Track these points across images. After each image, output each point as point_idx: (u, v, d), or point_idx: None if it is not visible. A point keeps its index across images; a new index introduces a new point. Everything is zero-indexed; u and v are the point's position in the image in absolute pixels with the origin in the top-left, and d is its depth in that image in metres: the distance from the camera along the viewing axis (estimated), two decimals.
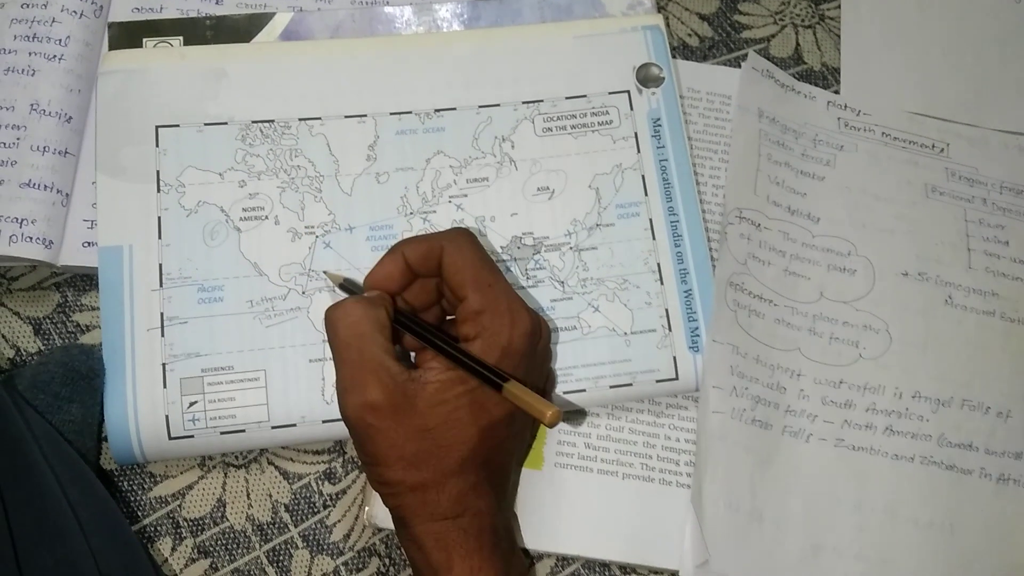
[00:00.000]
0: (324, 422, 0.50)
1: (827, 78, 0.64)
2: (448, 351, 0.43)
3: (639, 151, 0.56)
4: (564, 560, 0.51)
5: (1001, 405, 0.55)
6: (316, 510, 0.51)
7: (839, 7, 0.66)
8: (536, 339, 0.45)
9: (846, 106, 0.62)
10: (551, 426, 0.41)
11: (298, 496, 0.51)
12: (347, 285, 0.49)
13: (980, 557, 0.52)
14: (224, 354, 0.50)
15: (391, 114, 0.55)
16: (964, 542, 0.52)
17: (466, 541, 0.42)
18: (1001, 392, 0.55)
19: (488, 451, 0.43)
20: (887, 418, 0.54)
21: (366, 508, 0.50)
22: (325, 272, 0.50)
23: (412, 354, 0.47)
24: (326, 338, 0.45)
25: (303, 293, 0.51)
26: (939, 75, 0.65)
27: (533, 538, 0.50)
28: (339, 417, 0.47)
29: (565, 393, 0.52)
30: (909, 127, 0.62)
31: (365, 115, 0.55)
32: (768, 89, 0.61)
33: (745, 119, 0.59)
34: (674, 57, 0.63)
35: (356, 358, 0.42)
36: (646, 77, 0.58)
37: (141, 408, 0.49)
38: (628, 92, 0.57)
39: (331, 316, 0.43)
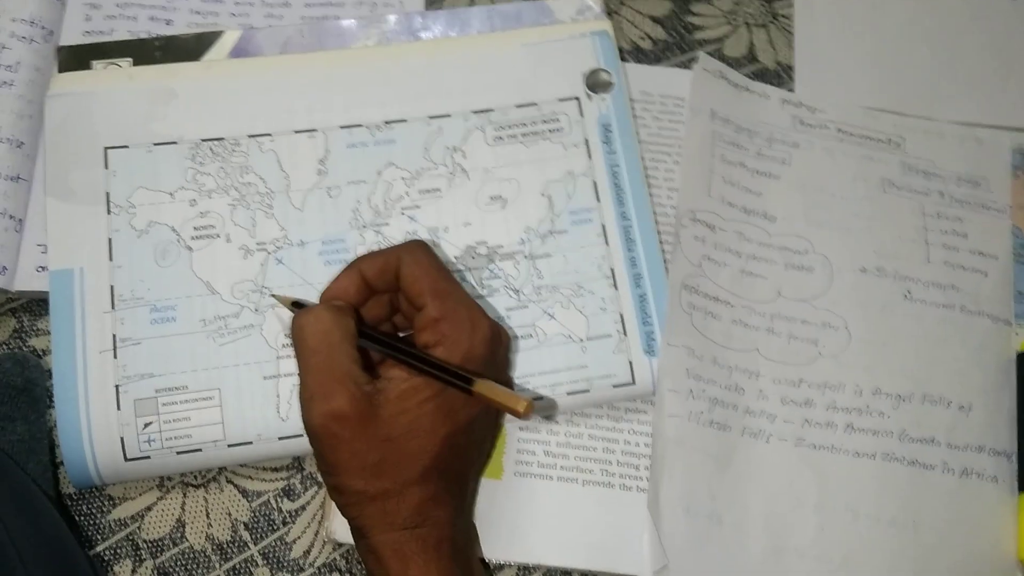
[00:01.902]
0: (280, 439, 0.50)
1: (781, 76, 0.64)
2: (412, 358, 0.43)
3: (590, 157, 0.56)
4: (526, 569, 0.51)
5: (962, 399, 0.55)
6: (276, 527, 0.51)
7: (792, 6, 0.66)
8: (496, 345, 0.45)
9: (800, 104, 0.62)
10: (525, 417, 0.41)
11: (257, 514, 0.51)
12: (299, 305, 0.49)
13: (943, 552, 0.52)
14: (178, 374, 0.50)
15: (341, 128, 0.55)
16: (927, 538, 0.52)
17: (424, 551, 0.42)
18: (962, 386, 0.55)
19: (449, 460, 0.43)
20: (848, 416, 0.54)
21: (326, 523, 0.50)
22: (274, 295, 0.50)
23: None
24: (289, 345, 0.45)
25: (256, 310, 0.51)
26: (893, 69, 0.65)
27: (495, 548, 0.50)
28: (295, 433, 0.47)
29: None
30: (864, 122, 0.62)
31: (315, 130, 0.55)
32: (721, 90, 0.61)
33: (698, 121, 0.59)
34: (627, 60, 0.63)
35: (324, 366, 0.42)
36: (595, 83, 0.58)
37: (96, 430, 0.49)
38: (578, 99, 0.57)
39: (300, 322, 0.43)
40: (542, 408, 0.51)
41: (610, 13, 0.65)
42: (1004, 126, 0.64)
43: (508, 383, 0.50)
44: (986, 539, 0.53)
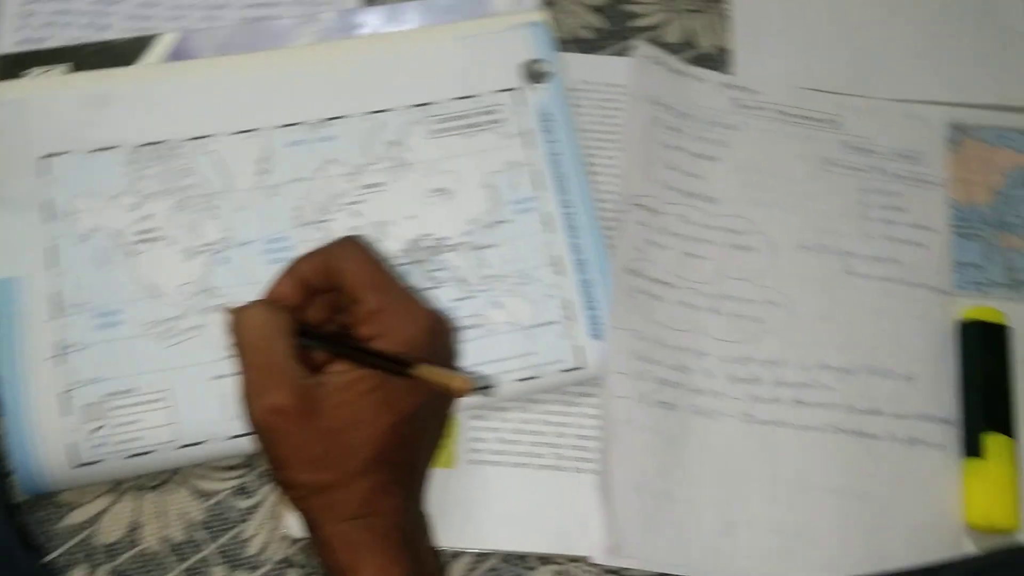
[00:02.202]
0: (231, 438, 0.50)
1: (720, 60, 0.65)
2: (351, 350, 0.44)
3: (531, 147, 0.56)
4: (482, 555, 0.51)
5: (906, 369, 0.56)
6: (232, 525, 0.51)
7: None
8: (438, 333, 0.46)
9: (739, 86, 0.63)
10: (462, 395, 0.42)
11: (213, 513, 0.51)
12: None
13: (893, 520, 0.53)
14: (126, 377, 0.50)
15: (281, 127, 0.55)
16: (876, 506, 0.53)
17: (374, 540, 0.42)
18: (905, 356, 0.56)
19: (396, 449, 0.44)
20: (794, 390, 0.55)
21: (282, 519, 0.50)
22: (223, 306, 0.50)
23: None
24: (226, 354, 0.45)
25: (202, 311, 0.51)
26: (830, 50, 0.66)
27: (450, 535, 0.51)
28: (247, 432, 0.47)
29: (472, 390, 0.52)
30: (802, 103, 0.63)
31: (255, 130, 0.55)
32: (660, 76, 0.62)
33: (638, 107, 0.60)
34: (567, 50, 0.63)
35: (261, 361, 0.42)
36: (533, 73, 0.58)
37: (44, 437, 0.49)
38: (516, 89, 0.58)
39: (235, 321, 0.43)
40: (486, 390, 0.52)
41: (550, 3, 0.65)
42: (939, 101, 0.65)
43: (473, 376, 0.51)
44: (934, 504, 0.54)
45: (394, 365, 0.42)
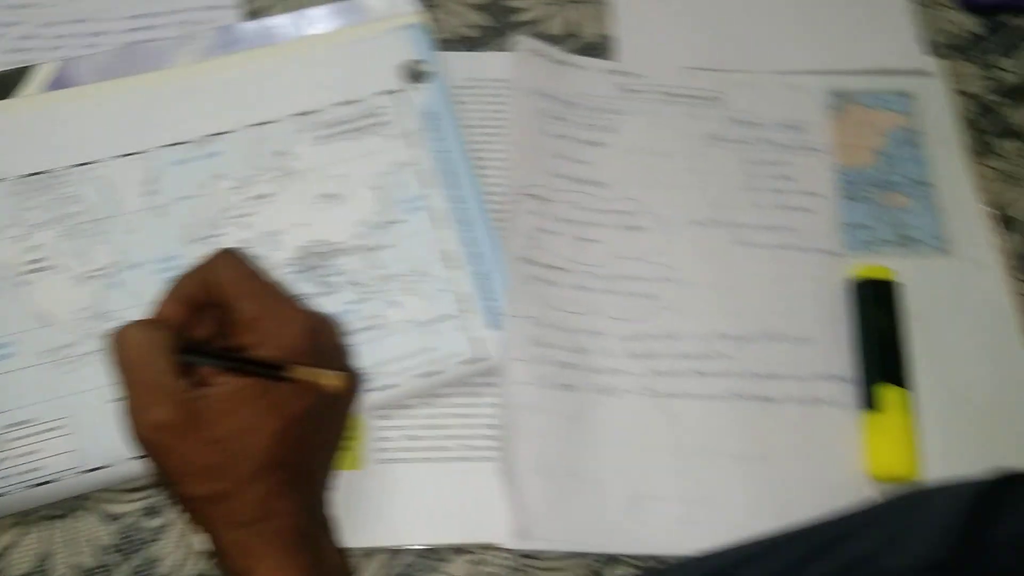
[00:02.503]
0: (136, 459, 0.50)
1: (604, 48, 0.67)
2: (231, 361, 0.44)
3: (416, 146, 0.57)
4: (396, 552, 0.51)
5: (800, 331, 0.57)
6: (143, 546, 0.51)
7: None
8: (319, 335, 0.46)
9: (623, 72, 0.65)
10: (339, 391, 0.43)
11: (123, 535, 0.51)
12: None
13: (798, 478, 0.54)
14: (23, 408, 0.50)
15: (166, 146, 0.56)
16: (780, 467, 0.54)
17: (268, 544, 0.42)
18: (801, 319, 0.58)
19: (287, 453, 0.44)
20: (693, 362, 0.56)
21: (193, 535, 0.50)
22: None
23: None
24: None
25: (97, 336, 0.51)
26: (711, 29, 0.68)
27: (363, 535, 0.51)
28: (136, 452, 0.47)
29: (373, 390, 0.52)
30: (686, 82, 0.65)
31: (140, 152, 0.56)
32: (543, 68, 0.63)
33: (522, 100, 0.61)
34: (451, 50, 0.64)
35: (140, 379, 0.43)
36: (413, 73, 0.59)
37: None
38: (398, 91, 0.58)
39: (113, 340, 0.44)
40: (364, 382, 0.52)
41: (432, 6, 0.66)
42: (819, 70, 0.67)
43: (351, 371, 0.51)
44: (837, 460, 0.55)
45: (270, 370, 0.43)
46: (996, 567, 0.37)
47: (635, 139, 0.62)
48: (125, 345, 0.43)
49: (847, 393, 0.56)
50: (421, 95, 0.58)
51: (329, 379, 0.41)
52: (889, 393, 0.55)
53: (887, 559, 0.40)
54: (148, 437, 0.41)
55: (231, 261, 0.45)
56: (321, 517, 0.47)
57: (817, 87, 0.66)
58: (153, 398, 0.41)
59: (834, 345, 0.57)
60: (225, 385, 0.42)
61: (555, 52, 0.64)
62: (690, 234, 0.59)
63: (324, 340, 0.46)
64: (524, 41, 0.63)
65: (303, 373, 0.42)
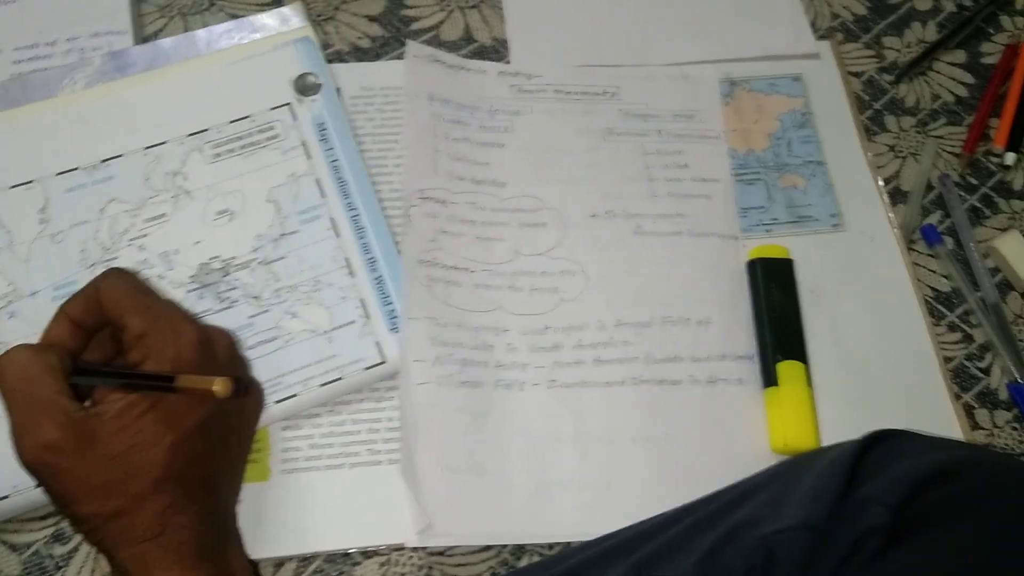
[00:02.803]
0: (38, 486, 0.50)
1: (499, 51, 0.67)
2: (120, 377, 0.44)
3: (310, 157, 0.58)
4: (306, 559, 0.52)
5: (700, 314, 0.58)
6: (50, 573, 0.51)
7: None
8: (207, 347, 0.46)
9: (517, 73, 0.66)
10: (223, 396, 0.42)
11: (29, 565, 0.51)
12: None
13: (701, 456, 0.55)
14: None
15: (58, 174, 0.56)
16: (684, 447, 0.55)
17: (166, 556, 0.42)
18: (699, 303, 0.59)
19: (183, 466, 0.44)
20: (594, 351, 0.57)
21: (100, 560, 0.50)
22: None
23: None
24: None
25: None
26: (604, 26, 0.69)
27: (272, 545, 0.51)
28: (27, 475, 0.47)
29: (277, 402, 0.53)
30: (580, 80, 0.66)
31: (31, 181, 0.56)
32: (435, 73, 0.64)
33: (416, 106, 0.62)
34: (346, 61, 0.65)
35: (25, 401, 0.43)
36: (303, 86, 0.60)
37: None
38: (289, 104, 0.59)
39: None
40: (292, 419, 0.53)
41: (326, 19, 0.67)
42: (712, 59, 0.68)
43: (250, 386, 0.51)
44: (740, 437, 0.56)
45: (160, 383, 0.43)
46: (864, 522, 0.38)
47: (531, 138, 0.63)
48: (8, 369, 0.43)
49: (747, 372, 0.57)
50: (312, 107, 0.59)
51: (218, 384, 0.42)
52: (786, 368, 0.56)
53: (766, 523, 0.40)
54: (37, 459, 0.41)
55: (116, 279, 0.45)
56: (225, 528, 0.47)
57: (710, 76, 0.67)
58: (40, 419, 0.41)
59: (733, 326, 0.58)
60: (117, 402, 0.43)
61: (448, 57, 0.65)
62: (589, 227, 0.60)
63: (215, 351, 0.46)
64: (414, 47, 0.64)
65: (191, 381, 0.42)
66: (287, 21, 0.62)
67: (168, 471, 0.43)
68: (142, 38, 0.65)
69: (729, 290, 0.60)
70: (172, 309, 0.46)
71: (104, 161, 0.57)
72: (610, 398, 0.56)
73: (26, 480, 0.48)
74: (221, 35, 0.61)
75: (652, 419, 0.55)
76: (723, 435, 0.56)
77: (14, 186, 0.56)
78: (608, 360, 0.57)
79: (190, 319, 0.46)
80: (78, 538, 0.51)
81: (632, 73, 0.67)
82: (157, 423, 0.43)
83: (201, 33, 0.61)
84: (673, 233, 0.61)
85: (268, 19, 0.62)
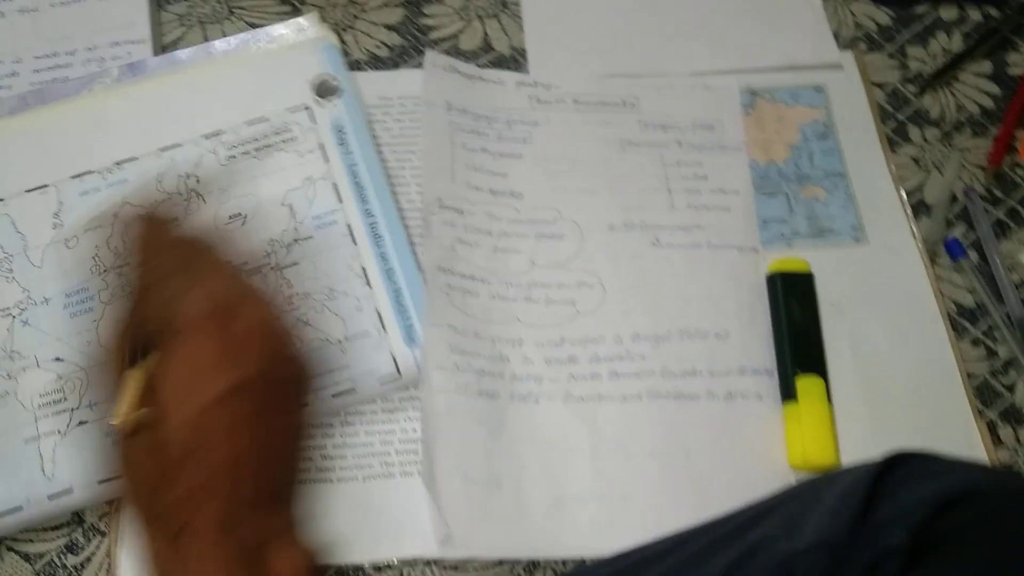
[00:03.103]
0: (50, 498, 0.50)
1: (518, 61, 0.67)
2: None
3: (327, 161, 0.57)
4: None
5: (718, 327, 0.58)
6: None
7: None
8: (221, 320, 0.41)
9: (535, 83, 0.65)
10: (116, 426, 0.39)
11: (43, 574, 0.51)
12: None
13: (719, 471, 0.54)
14: None
15: (72, 178, 0.56)
16: (701, 462, 0.54)
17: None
18: (717, 316, 0.58)
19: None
20: (610, 364, 0.56)
21: (114, 570, 0.50)
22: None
23: None
24: (47, 404, 0.49)
25: (9, 376, 0.52)
26: (623, 35, 0.69)
27: None
28: (64, 490, 0.47)
29: None
30: (598, 90, 0.65)
31: (46, 185, 0.56)
32: (453, 83, 0.63)
33: (434, 115, 0.62)
34: (364, 69, 0.65)
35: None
36: (323, 89, 0.59)
37: None
38: (308, 107, 0.59)
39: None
40: None
41: (344, 28, 0.67)
42: (734, 69, 0.68)
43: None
44: (758, 452, 0.55)
45: None
46: (883, 543, 0.37)
47: (549, 148, 0.62)
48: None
49: (766, 386, 0.56)
50: (331, 111, 0.59)
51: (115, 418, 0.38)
52: (806, 382, 0.55)
53: (785, 542, 0.40)
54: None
55: (136, 224, 0.43)
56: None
57: (730, 86, 0.66)
58: None
59: (751, 340, 0.58)
60: None
61: (465, 67, 0.64)
62: (606, 239, 0.60)
63: (232, 328, 0.40)
64: (431, 57, 0.64)
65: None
66: (306, 30, 0.62)
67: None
68: (161, 47, 0.65)
69: (748, 303, 0.59)
70: (193, 266, 0.42)
71: (119, 164, 0.56)
72: (627, 412, 0.55)
73: (38, 491, 0.48)
74: (236, 45, 0.61)
75: (669, 434, 0.55)
76: (741, 450, 0.55)
77: (29, 190, 0.56)
78: (625, 374, 0.56)
79: (209, 282, 0.41)
80: (91, 547, 0.51)
81: (651, 83, 0.66)
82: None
83: (216, 43, 0.61)
84: (692, 245, 0.60)
85: (284, 29, 0.62)
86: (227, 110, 0.58)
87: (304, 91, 0.59)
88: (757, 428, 0.55)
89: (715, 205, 0.62)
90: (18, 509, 0.49)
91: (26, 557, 0.51)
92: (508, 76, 0.65)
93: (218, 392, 0.40)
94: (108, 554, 0.51)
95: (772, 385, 0.56)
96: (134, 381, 0.39)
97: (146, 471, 0.40)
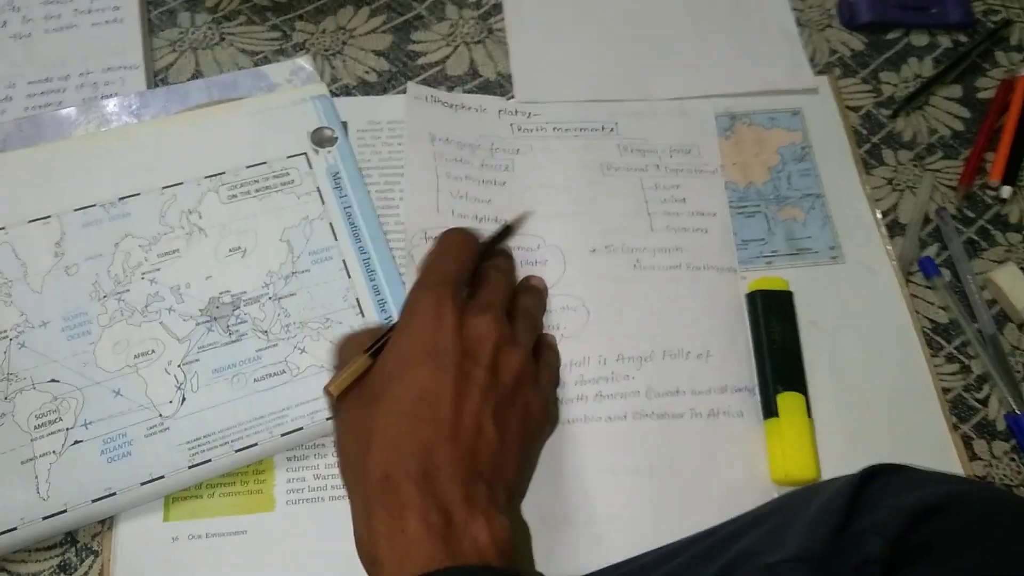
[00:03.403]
0: (45, 518, 0.51)
1: (504, 85, 0.69)
2: None
3: (324, 203, 0.60)
4: None
5: (700, 347, 0.59)
6: None
7: (504, 19, 0.71)
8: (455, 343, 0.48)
9: (516, 112, 0.67)
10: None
11: None
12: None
13: (703, 489, 0.55)
14: None
15: (75, 210, 0.58)
16: (685, 479, 0.56)
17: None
18: (698, 336, 0.60)
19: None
20: (595, 386, 0.57)
21: None
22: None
23: None
24: (42, 424, 0.50)
25: (6, 398, 0.52)
26: (606, 62, 0.71)
27: None
28: (59, 510, 0.48)
29: (282, 434, 0.53)
30: (578, 116, 0.67)
31: (49, 216, 0.57)
32: (436, 113, 0.65)
33: (417, 146, 0.63)
34: (353, 94, 0.66)
35: None
36: (320, 139, 0.62)
37: None
38: (306, 154, 0.61)
39: None
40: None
41: (333, 54, 0.68)
42: (711, 95, 0.69)
43: None
44: (741, 468, 0.57)
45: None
46: (862, 553, 0.38)
47: (531, 175, 0.64)
48: None
49: (748, 404, 0.58)
50: (327, 158, 0.61)
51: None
52: (786, 399, 0.56)
53: (768, 554, 0.41)
54: None
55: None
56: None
57: (706, 111, 0.68)
58: None
59: (732, 358, 0.59)
60: None
61: (448, 96, 0.66)
62: (587, 263, 0.61)
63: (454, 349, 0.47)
64: (414, 88, 0.65)
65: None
66: (299, 71, 0.64)
67: None
68: (154, 73, 0.66)
69: (727, 322, 0.60)
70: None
71: (122, 199, 0.58)
72: (612, 432, 0.57)
73: (32, 511, 0.49)
74: (232, 82, 0.64)
75: (653, 452, 0.56)
76: (724, 466, 0.57)
77: (32, 220, 0.57)
78: (609, 395, 0.57)
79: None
80: (84, 567, 0.52)
81: (630, 109, 0.68)
82: None
83: (213, 80, 0.64)
84: (671, 267, 0.62)
85: (280, 69, 0.64)
86: (229, 154, 0.61)
87: (303, 140, 0.62)
88: (740, 445, 0.57)
89: (693, 227, 0.64)
90: (12, 530, 0.50)
91: None
92: (490, 102, 0.67)
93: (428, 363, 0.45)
94: (101, 574, 0.52)
95: (753, 403, 0.58)
96: (359, 364, 0.48)
97: (354, 433, 0.45)
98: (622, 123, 0.67)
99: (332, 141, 0.62)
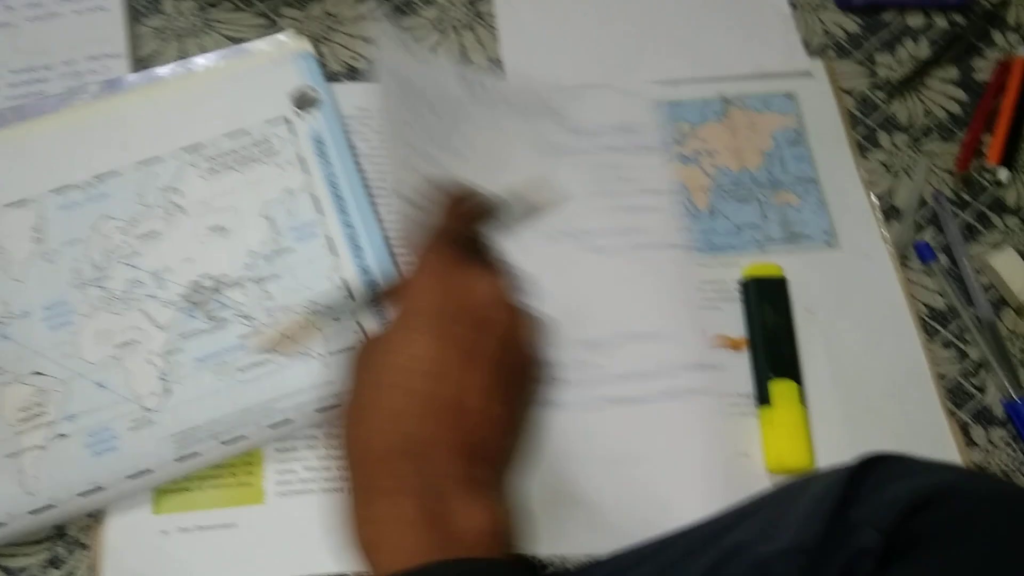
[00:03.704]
0: (31, 513, 0.50)
1: (495, 71, 0.68)
2: None
3: (307, 172, 0.58)
4: None
5: (663, 328, 0.59)
6: None
7: (492, 3, 0.70)
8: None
9: (471, 79, 0.66)
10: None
11: None
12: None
13: (689, 477, 0.55)
14: None
15: (51, 192, 0.56)
16: (651, 467, 0.55)
17: None
18: (662, 317, 0.59)
19: None
20: (564, 374, 0.56)
21: None
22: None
23: None
24: (25, 419, 0.50)
25: None
26: (597, 44, 0.70)
27: (268, 569, 0.51)
28: (46, 505, 0.47)
29: (270, 427, 0.52)
30: (528, 98, 0.66)
31: (25, 200, 0.56)
32: (402, 56, 0.65)
33: (387, 83, 0.63)
34: (341, 81, 0.65)
35: None
36: (302, 100, 0.60)
37: None
38: (287, 118, 0.59)
39: None
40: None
41: (321, 40, 0.67)
42: (704, 78, 0.68)
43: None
44: (735, 455, 0.56)
45: None
46: (857, 544, 0.38)
47: (487, 151, 0.63)
48: None
49: (713, 379, 0.57)
50: (310, 122, 0.59)
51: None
52: (780, 387, 0.56)
53: (761, 546, 0.40)
54: None
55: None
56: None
57: (648, 93, 0.67)
58: None
59: (691, 335, 0.59)
60: None
61: (412, 44, 0.66)
62: (542, 249, 0.60)
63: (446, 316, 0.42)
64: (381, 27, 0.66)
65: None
66: (284, 45, 0.62)
67: None
68: (138, 60, 0.65)
69: (684, 300, 0.60)
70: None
71: (98, 176, 0.57)
72: (582, 420, 0.56)
73: (19, 506, 0.49)
74: (218, 59, 0.62)
75: (624, 438, 0.55)
76: (717, 454, 0.56)
77: (8, 204, 0.56)
78: (580, 381, 0.56)
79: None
80: (73, 560, 0.51)
81: (572, 91, 0.67)
82: None
83: (197, 59, 0.62)
84: (629, 248, 0.61)
85: (264, 45, 0.62)
86: (206, 123, 0.59)
87: (283, 103, 0.60)
88: (733, 432, 0.56)
89: (642, 205, 0.63)
90: (1, 525, 0.49)
91: (8, 572, 0.51)
92: (448, 62, 0.67)
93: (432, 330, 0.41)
94: (90, 567, 0.51)
95: (718, 378, 0.58)
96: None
97: (356, 404, 0.42)
98: (571, 107, 0.66)
99: (315, 103, 0.60)
